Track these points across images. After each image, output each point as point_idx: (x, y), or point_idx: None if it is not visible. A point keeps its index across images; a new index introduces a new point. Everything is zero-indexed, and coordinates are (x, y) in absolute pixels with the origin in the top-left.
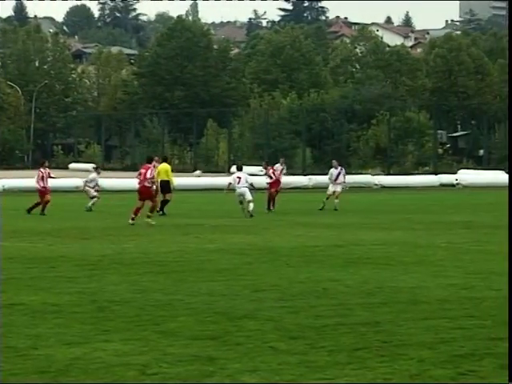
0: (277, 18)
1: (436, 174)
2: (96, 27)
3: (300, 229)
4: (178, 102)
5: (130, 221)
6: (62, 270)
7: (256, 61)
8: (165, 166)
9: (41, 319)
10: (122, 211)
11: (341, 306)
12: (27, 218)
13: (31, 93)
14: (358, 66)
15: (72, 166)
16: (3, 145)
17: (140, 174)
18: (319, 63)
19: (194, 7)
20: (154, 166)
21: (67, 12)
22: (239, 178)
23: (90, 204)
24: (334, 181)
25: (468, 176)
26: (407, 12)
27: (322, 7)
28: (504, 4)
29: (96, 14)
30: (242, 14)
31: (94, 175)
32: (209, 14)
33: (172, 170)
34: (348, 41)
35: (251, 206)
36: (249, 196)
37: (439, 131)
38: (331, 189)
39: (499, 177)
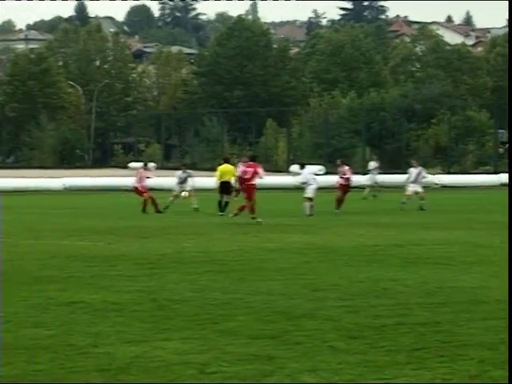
0: (337, 17)
1: (496, 174)
2: (156, 27)
3: (359, 228)
4: (238, 102)
5: (231, 214)
6: (122, 268)
7: (316, 60)
8: (228, 166)
9: (101, 317)
10: (181, 210)
11: (400, 305)
12: (87, 217)
13: (92, 92)
14: (418, 65)
15: (132, 164)
16: (64, 144)
17: (245, 173)
18: (379, 62)
19: (254, 7)
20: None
21: (128, 12)
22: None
23: (195, 205)
24: (414, 181)
25: None
26: (468, 11)
27: (382, 6)
28: None
29: (156, 13)
30: (302, 14)
31: (179, 173)
32: (268, 14)
33: None
34: (408, 40)
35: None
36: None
37: (500, 130)
38: (411, 189)
39: None
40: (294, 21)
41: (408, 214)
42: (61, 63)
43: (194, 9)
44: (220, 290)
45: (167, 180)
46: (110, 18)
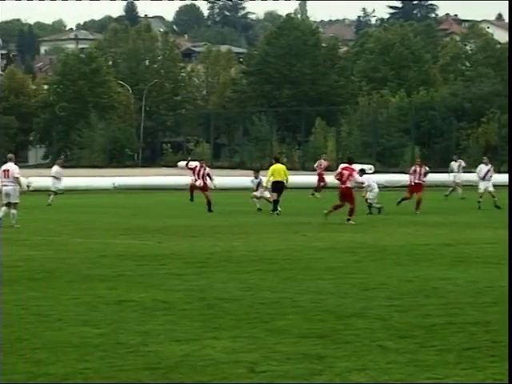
0: (386, 16)
1: None
2: (205, 26)
3: (409, 227)
4: (287, 101)
5: (326, 217)
6: (171, 267)
7: (365, 59)
8: (280, 166)
9: (151, 316)
10: (231, 209)
11: (450, 305)
12: (137, 216)
13: (141, 91)
14: (468, 64)
15: (181, 164)
16: (114, 143)
17: (341, 175)
18: (428, 61)
19: (303, 6)
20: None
21: (177, 11)
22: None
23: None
24: (483, 178)
25: None
26: None
27: (432, 4)
28: None
29: (205, 12)
30: (351, 12)
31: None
32: (317, 13)
33: (287, 169)
34: (458, 38)
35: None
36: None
37: None
38: (482, 187)
39: None
40: (343, 19)
41: (457, 213)
42: (110, 63)
43: (243, 8)
44: (269, 289)
45: (216, 179)
46: (160, 18)
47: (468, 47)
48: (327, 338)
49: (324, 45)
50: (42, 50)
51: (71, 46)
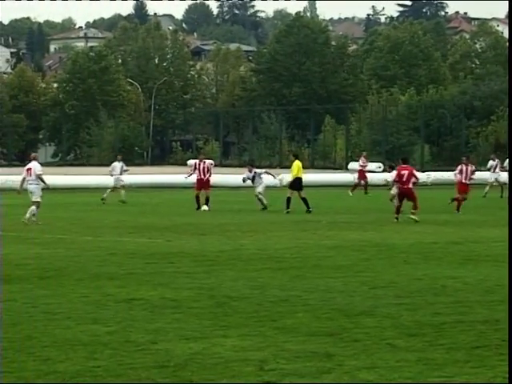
0: (395, 14)
1: None
2: (215, 24)
3: (418, 226)
4: (296, 99)
5: (395, 220)
6: (180, 265)
7: (374, 57)
8: (299, 163)
9: (160, 314)
10: (240, 208)
11: (459, 303)
12: (146, 214)
13: (151, 90)
14: (477, 62)
15: (190, 162)
16: (123, 141)
17: (401, 176)
18: (438, 59)
19: (312, 4)
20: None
21: (186, 9)
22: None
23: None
24: (493, 171)
25: None
26: None
27: (441, 2)
28: None
29: (215, 11)
30: (361, 10)
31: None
32: (327, 11)
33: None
34: (467, 36)
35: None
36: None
37: None
38: (492, 177)
39: None
40: (353, 18)
41: (467, 212)
42: (120, 61)
43: (253, 6)
44: (278, 287)
45: (225, 178)
46: (169, 16)
47: (477, 45)
48: (336, 336)
49: (333, 43)
50: (52, 48)
51: (81, 44)
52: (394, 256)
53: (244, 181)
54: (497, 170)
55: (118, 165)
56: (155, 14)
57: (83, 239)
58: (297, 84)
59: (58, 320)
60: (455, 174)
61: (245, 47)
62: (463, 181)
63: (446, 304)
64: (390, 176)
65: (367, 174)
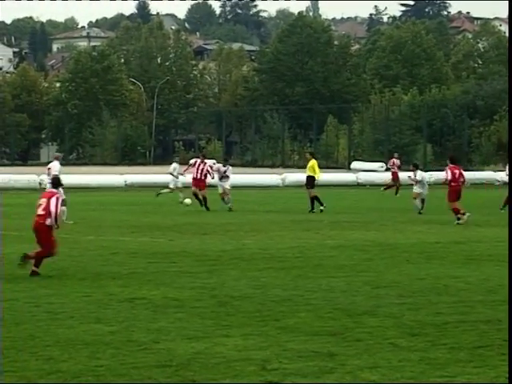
0: (398, 14)
1: None
2: (217, 24)
3: (420, 225)
4: (299, 98)
5: (459, 221)
6: (182, 265)
7: (377, 56)
8: (314, 161)
9: (162, 313)
10: (242, 207)
11: (462, 303)
12: (148, 214)
13: (153, 89)
14: (480, 62)
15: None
16: (125, 141)
17: (454, 175)
18: (441, 59)
19: (315, 3)
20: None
21: (189, 9)
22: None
23: None
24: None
25: None
26: None
27: (444, 2)
28: None
29: (217, 10)
30: (363, 10)
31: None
32: (329, 10)
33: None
34: (470, 36)
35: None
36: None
37: None
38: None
39: None
40: (355, 17)
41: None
42: (122, 60)
43: (255, 6)
44: (280, 287)
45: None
46: (172, 16)
47: (480, 45)
48: (338, 335)
49: (336, 43)
50: (54, 47)
51: (83, 43)
52: (396, 256)
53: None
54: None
55: (177, 166)
56: (158, 13)
57: (86, 239)
58: (299, 84)
59: (60, 319)
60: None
61: (247, 47)
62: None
63: (448, 304)
64: (413, 175)
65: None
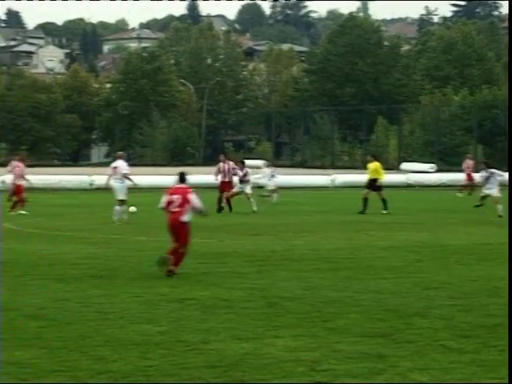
0: (448, 14)
1: None
2: (267, 24)
3: (471, 226)
4: (348, 99)
5: None
6: (232, 265)
7: (427, 57)
8: (376, 164)
9: (212, 314)
10: (292, 208)
11: None
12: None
13: (203, 90)
14: None
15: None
16: (175, 141)
17: None
18: (491, 59)
19: (365, 4)
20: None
21: (239, 10)
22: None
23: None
24: None
25: None
26: None
27: (495, 2)
28: None
29: (267, 11)
30: (414, 11)
31: None
32: (380, 11)
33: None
34: None
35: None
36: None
37: None
38: None
39: None
40: (406, 18)
41: None
42: (172, 61)
43: (305, 6)
44: (330, 288)
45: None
46: (222, 17)
47: None
48: (388, 337)
49: (386, 43)
50: (105, 48)
51: (134, 44)
52: (447, 257)
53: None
54: None
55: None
56: (208, 14)
57: (136, 239)
58: (349, 84)
59: (111, 319)
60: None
61: (297, 47)
62: None
63: (499, 305)
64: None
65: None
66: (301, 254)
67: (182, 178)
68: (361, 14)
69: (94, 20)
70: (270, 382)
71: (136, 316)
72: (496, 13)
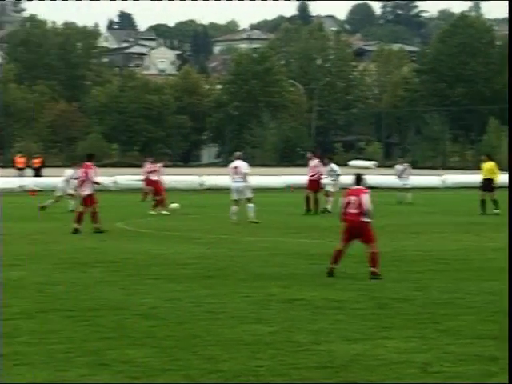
0: None
1: None
2: (378, 25)
3: None
4: (459, 99)
5: None
6: (342, 266)
7: None
8: (490, 164)
9: (322, 315)
10: (402, 209)
11: None
12: (308, 215)
13: (313, 91)
14: None
15: (352, 163)
16: (285, 142)
17: None
18: None
19: (477, 3)
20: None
21: (349, 10)
22: None
23: None
24: None
25: None
26: None
27: None
28: None
29: (378, 11)
30: None
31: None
32: (492, 10)
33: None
34: None
35: None
36: None
37: None
38: None
39: None
40: None
41: None
42: (282, 62)
43: (416, 6)
44: (441, 290)
45: (386, 179)
46: (332, 17)
47: None
48: (501, 339)
49: (498, 43)
50: (216, 50)
51: (244, 45)
52: None
53: None
54: None
55: (400, 167)
56: (318, 15)
57: (245, 239)
58: (460, 84)
59: (221, 319)
60: None
61: (408, 47)
62: None
63: None
64: None
65: None
66: (411, 255)
67: (359, 179)
68: (473, 14)
69: (205, 21)
70: (382, 383)
71: (246, 316)
72: None
